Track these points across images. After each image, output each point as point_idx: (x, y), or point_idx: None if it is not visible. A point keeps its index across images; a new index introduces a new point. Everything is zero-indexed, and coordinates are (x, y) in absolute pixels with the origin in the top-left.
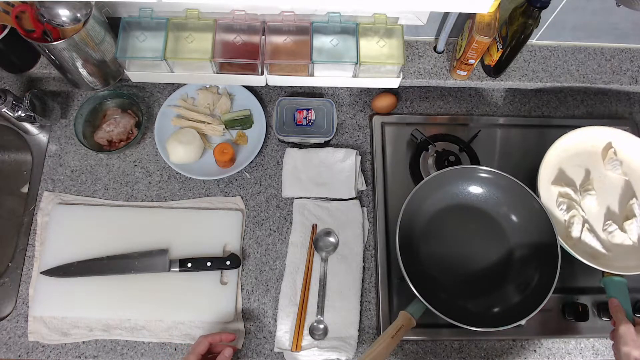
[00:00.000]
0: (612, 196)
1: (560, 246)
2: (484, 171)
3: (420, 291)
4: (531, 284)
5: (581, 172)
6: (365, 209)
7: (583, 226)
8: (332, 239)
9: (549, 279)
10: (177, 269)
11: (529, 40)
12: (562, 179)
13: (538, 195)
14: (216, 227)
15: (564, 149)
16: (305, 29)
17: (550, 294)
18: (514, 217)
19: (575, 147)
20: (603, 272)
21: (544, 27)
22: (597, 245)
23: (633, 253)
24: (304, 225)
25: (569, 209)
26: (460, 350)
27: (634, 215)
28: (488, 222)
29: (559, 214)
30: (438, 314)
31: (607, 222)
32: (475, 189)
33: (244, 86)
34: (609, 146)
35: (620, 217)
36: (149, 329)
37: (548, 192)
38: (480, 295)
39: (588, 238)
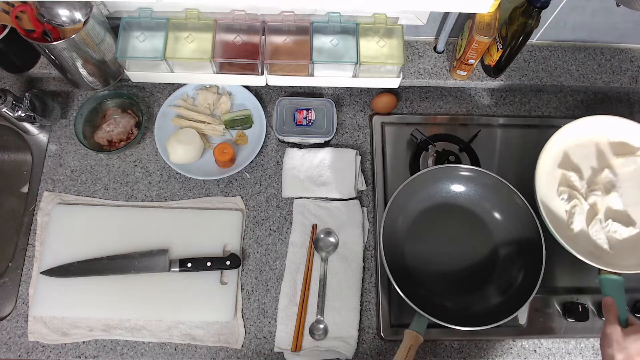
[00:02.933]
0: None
1: (557, 241)
2: (465, 169)
3: (409, 295)
4: (515, 283)
5: (588, 161)
6: (365, 209)
7: (585, 217)
8: (332, 239)
9: (534, 273)
10: (177, 269)
11: (529, 40)
12: (569, 163)
13: (537, 181)
14: (216, 227)
15: (574, 134)
16: (305, 29)
17: (541, 274)
18: (497, 215)
19: (585, 134)
20: (600, 269)
21: (544, 27)
22: (602, 240)
23: (636, 250)
24: (304, 225)
25: (570, 198)
26: (460, 350)
27: (612, 186)
28: (472, 220)
29: (560, 204)
30: (436, 321)
31: (606, 222)
32: (458, 188)
33: (244, 86)
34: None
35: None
36: (149, 329)
37: (551, 177)
38: (464, 294)
39: (592, 231)
